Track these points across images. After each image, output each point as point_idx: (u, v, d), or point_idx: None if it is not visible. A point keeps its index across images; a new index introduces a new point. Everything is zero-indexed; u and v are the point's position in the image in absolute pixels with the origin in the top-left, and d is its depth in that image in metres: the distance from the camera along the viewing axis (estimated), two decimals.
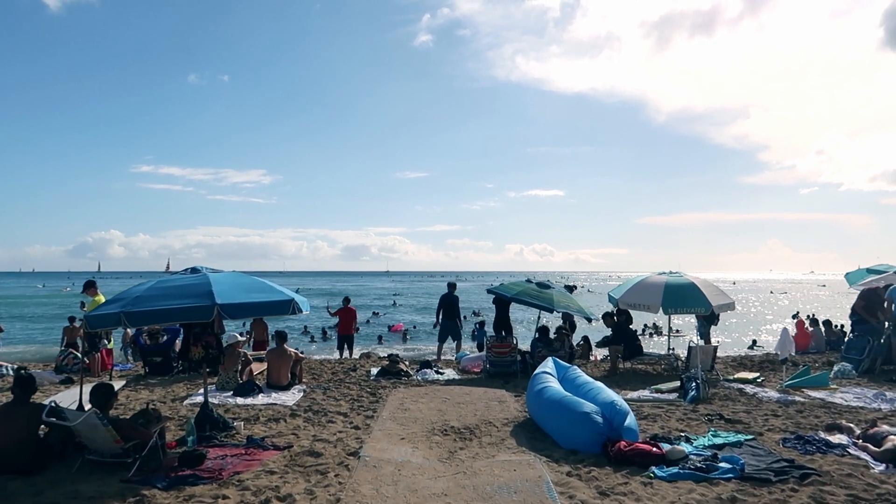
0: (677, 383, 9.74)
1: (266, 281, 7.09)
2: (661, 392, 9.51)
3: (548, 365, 8.10)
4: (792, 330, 16.53)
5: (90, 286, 11.21)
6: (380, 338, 28.46)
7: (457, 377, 11.25)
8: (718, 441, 6.65)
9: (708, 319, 15.28)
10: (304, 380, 10.48)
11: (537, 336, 11.67)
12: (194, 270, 6.98)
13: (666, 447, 6.06)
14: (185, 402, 8.77)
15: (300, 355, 10.20)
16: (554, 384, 7.36)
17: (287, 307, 6.64)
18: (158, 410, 6.31)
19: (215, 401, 8.84)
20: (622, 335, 11.63)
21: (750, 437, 6.85)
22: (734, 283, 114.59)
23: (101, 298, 10.74)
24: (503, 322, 12.89)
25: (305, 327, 31.66)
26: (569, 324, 12.93)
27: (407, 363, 12.47)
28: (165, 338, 11.45)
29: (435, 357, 14.11)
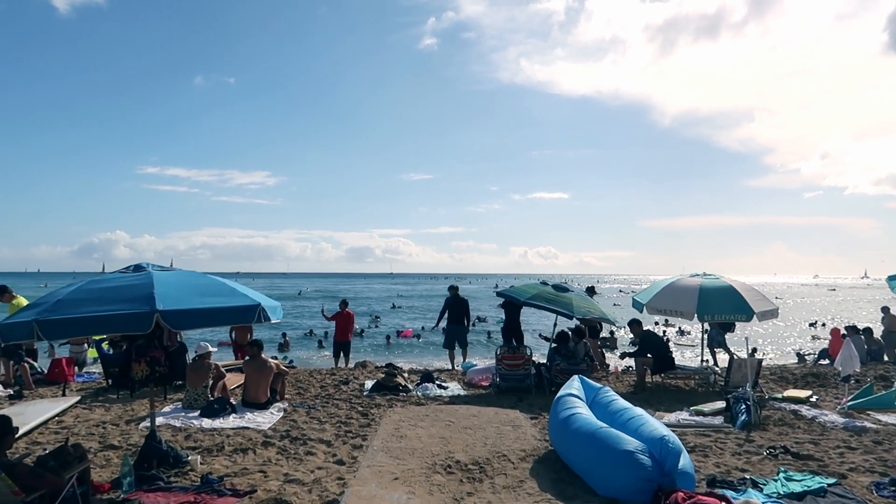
0: (721, 404, 8.33)
1: (229, 282, 5.72)
2: (704, 414, 8.10)
3: (573, 385, 6.69)
4: (822, 334, 15.07)
5: (3, 291, 9.93)
6: (388, 338, 27.06)
7: (462, 393, 9.87)
8: (795, 487, 5.25)
9: (724, 326, 13.94)
10: (286, 396, 9.11)
11: (555, 346, 10.27)
12: (138, 268, 5.60)
13: (736, 500, 4.68)
14: (143, 426, 7.40)
15: (283, 368, 8.83)
16: (583, 411, 5.96)
17: (250, 314, 5.26)
18: (82, 447, 4.95)
19: (177, 423, 7.48)
20: (651, 345, 10.21)
21: (832, 480, 5.44)
22: None
23: (23, 301, 9.42)
24: (514, 329, 11.51)
25: (311, 330, 30.20)
26: (588, 331, 11.48)
27: (406, 374, 11.10)
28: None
29: (438, 370, 12.76)
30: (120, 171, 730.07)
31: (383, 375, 10.09)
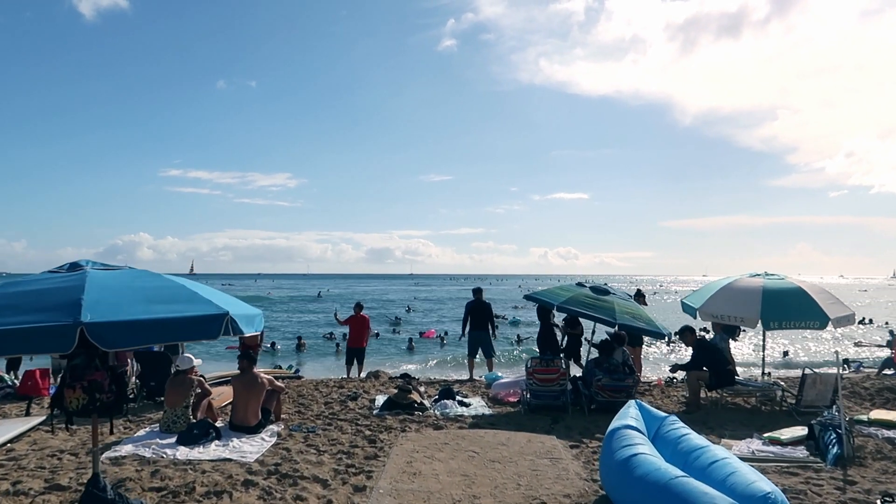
0: (800, 430, 6.90)
1: (193, 284, 4.48)
2: (782, 443, 6.66)
3: (630, 414, 5.31)
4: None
5: None
6: (410, 341, 25.77)
7: (487, 411, 8.53)
8: None
9: (728, 331, 12.51)
10: (283, 416, 7.87)
11: (595, 358, 8.90)
12: (74, 266, 4.37)
13: None
14: (106, 456, 6.19)
15: (277, 384, 7.57)
16: (647, 450, 4.59)
17: (213, 326, 4.01)
18: None
19: (147, 452, 6.26)
20: (707, 356, 8.78)
21: None
22: None
23: None
24: (548, 339, 10.16)
25: (331, 333, 28.98)
26: (630, 338, 10.02)
27: (423, 388, 9.80)
28: None
29: (458, 381, 11.46)
30: (143, 174, 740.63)
31: (396, 391, 8.79)
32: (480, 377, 11.70)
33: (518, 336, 26.54)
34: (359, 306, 14.11)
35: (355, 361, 13.80)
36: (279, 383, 7.66)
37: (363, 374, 13.43)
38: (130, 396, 9.05)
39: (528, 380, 8.45)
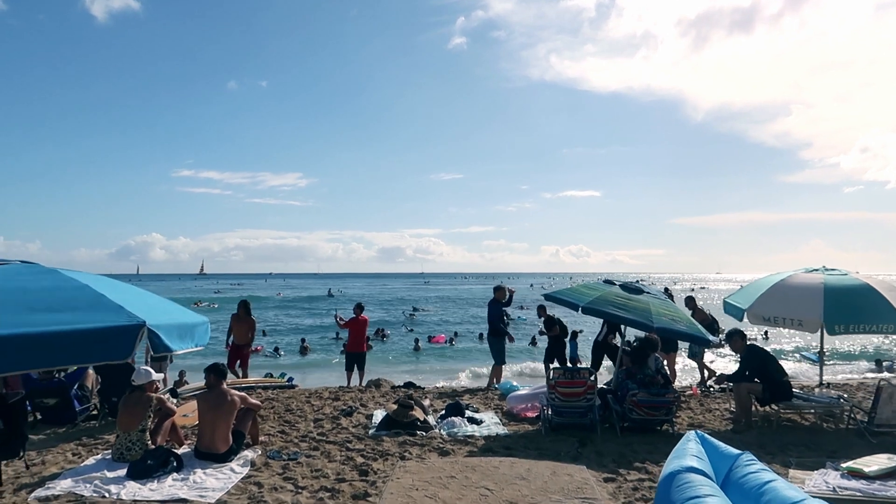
0: (886, 460, 5.63)
1: (99, 284, 3.33)
2: (867, 477, 5.40)
3: (691, 451, 4.05)
4: None
5: None
6: (416, 341, 24.46)
7: (501, 431, 7.30)
8: None
9: (708, 332, 11.48)
10: (261, 437, 6.71)
11: (626, 367, 7.67)
12: None
13: None
14: (35, 496, 5.05)
15: (252, 402, 6.40)
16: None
17: (124, 343, 2.89)
18: None
19: (86, 490, 5.10)
20: (759, 366, 7.51)
21: None
22: None
23: None
24: (555, 351, 8.96)
25: (338, 334, 27.92)
26: (662, 343, 8.78)
27: (428, 401, 8.61)
28: (63, 373, 7.77)
29: (470, 391, 10.28)
30: (156, 175, 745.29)
31: (395, 407, 7.59)
32: (494, 386, 10.51)
33: (534, 338, 25.05)
34: (359, 307, 12.98)
35: (355, 367, 12.72)
36: (253, 400, 6.48)
37: (364, 382, 12.34)
38: (94, 413, 7.95)
39: (549, 394, 7.21)
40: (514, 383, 9.99)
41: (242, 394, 6.24)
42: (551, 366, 10.03)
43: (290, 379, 11.05)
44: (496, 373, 10.86)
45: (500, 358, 10.76)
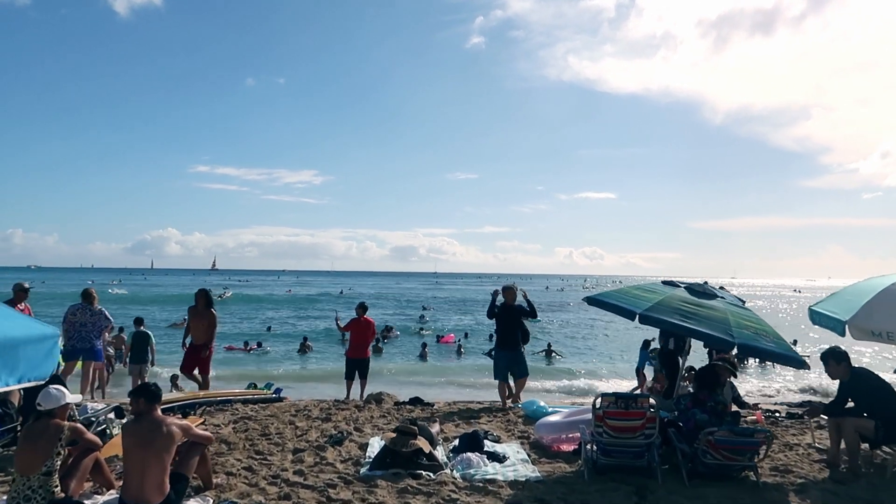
0: None
1: None
2: None
3: None
4: None
5: None
6: (423, 346, 22.58)
7: (531, 473, 5.62)
8: None
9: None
10: (216, 479, 5.10)
11: (693, 387, 5.98)
12: None
13: None
14: None
15: (199, 434, 4.78)
16: None
17: None
18: None
19: None
20: (868, 396, 5.79)
21: None
22: (798, 291, 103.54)
23: None
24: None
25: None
26: (725, 364, 6.99)
27: (437, 427, 6.93)
28: None
29: (486, 411, 8.61)
30: (172, 170, 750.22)
31: (395, 435, 5.95)
32: (515, 406, 8.85)
33: (549, 346, 22.96)
34: (362, 307, 11.40)
35: (356, 375, 11.15)
36: (200, 430, 4.85)
37: (365, 394, 10.77)
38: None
39: (595, 427, 5.53)
40: (542, 403, 8.30)
41: (185, 423, 4.64)
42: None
43: (278, 390, 9.45)
44: (519, 387, 9.21)
45: (521, 368, 9.12)
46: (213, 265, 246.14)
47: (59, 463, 4.41)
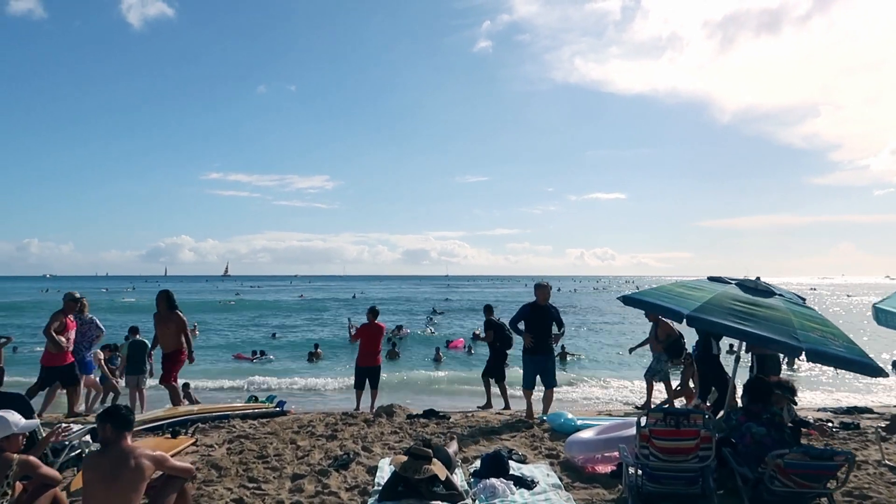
0: None
1: None
2: None
3: None
4: None
5: None
6: (437, 350, 21.71)
7: (565, 503, 4.87)
8: None
9: (672, 349, 9.36)
10: None
11: (744, 407, 5.18)
12: None
13: None
14: None
15: (176, 465, 4.04)
16: None
17: None
18: None
19: None
20: None
21: None
22: (814, 289, 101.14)
23: None
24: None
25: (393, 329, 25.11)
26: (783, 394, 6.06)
27: (454, 447, 6.16)
28: None
29: (511, 416, 7.83)
30: (185, 177, 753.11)
31: (406, 458, 5.20)
32: (540, 417, 8.06)
33: (563, 348, 21.34)
34: (373, 312, 10.71)
35: (367, 384, 10.47)
36: (178, 462, 4.10)
37: (377, 405, 10.08)
38: None
39: (641, 447, 4.74)
40: (569, 415, 7.50)
41: (159, 454, 3.90)
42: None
43: (281, 403, 8.72)
44: (547, 401, 8.41)
45: (549, 378, 8.32)
46: (226, 271, 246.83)
47: (6, 502, 3.71)
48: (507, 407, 9.80)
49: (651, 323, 9.96)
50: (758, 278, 5.69)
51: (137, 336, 10.12)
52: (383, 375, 10.83)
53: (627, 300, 5.66)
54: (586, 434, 6.19)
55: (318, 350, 22.79)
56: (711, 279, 5.81)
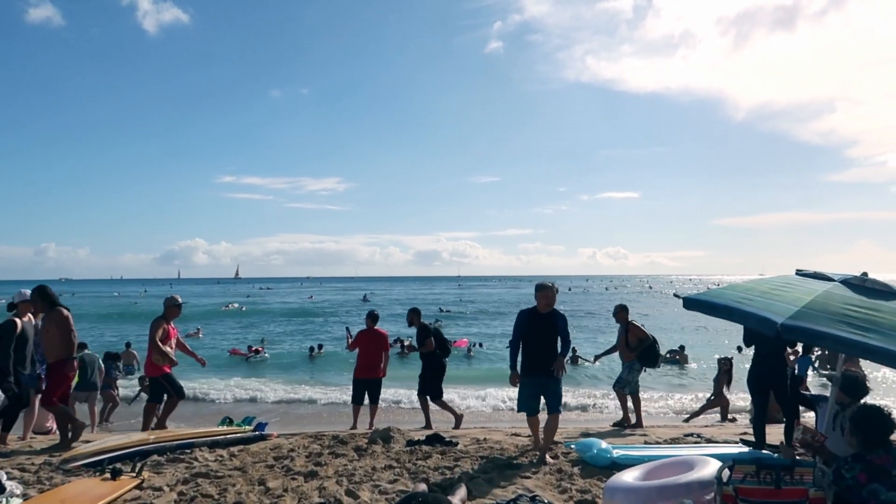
0: None
1: None
2: None
3: None
4: None
5: None
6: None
7: None
8: None
9: (645, 357, 8.40)
10: None
11: (863, 437, 3.80)
12: None
13: None
14: None
15: None
16: None
17: None
18: None
19: None
20: None
21: None
22: None
23: None
24: (779, 391, 5.16)
25: (399, 339, 23.54)
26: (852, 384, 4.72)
27: (461, 494, 4.79)
28: None
29: (528, 462, 6.40)
30: (199, 181, 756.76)
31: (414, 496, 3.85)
32: (569, 446, 6.62)
33: (574, 352, 19.02)
34: (373, 317, 9.50)
35: (366, 397, 9.30)
36: None
37: (374, 423, 8.84)
38: None
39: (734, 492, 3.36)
40: (604, 444, 6.07)
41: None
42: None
43: (261, 426, 7.38)
44: (549, 430, 6.65)
45: (555, 400, 6.72)
46: (237, 273, 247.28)
47: None
48: (427, 426, 8.67)
49: (618, 325, 8.76)
50: (864, 273, 4.28)
51: (87, 350, 9.37)
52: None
53: (690, 303, 4.27)
54: (630, 476, 4.76)
55: (321, 350, 22.04)
56: (801, 273, 4.41)
